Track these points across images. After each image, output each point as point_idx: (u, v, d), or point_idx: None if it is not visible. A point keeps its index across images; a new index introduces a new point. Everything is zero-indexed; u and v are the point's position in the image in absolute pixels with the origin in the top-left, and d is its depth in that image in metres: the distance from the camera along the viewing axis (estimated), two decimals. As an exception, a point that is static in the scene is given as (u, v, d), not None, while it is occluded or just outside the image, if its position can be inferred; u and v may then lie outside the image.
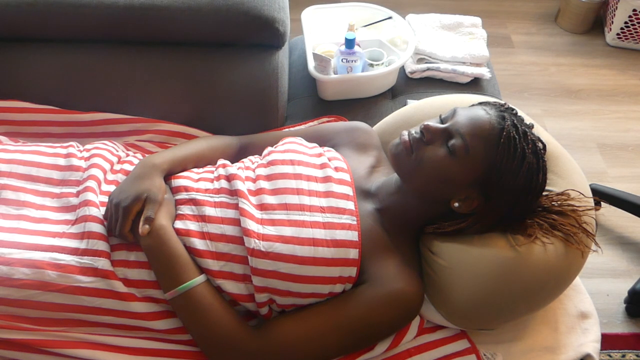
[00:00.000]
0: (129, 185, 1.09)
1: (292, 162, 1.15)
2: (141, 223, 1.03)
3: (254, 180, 1.14)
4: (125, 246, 1.06)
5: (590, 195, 1.21)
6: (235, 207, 1.08)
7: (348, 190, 1.12)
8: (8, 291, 0.99)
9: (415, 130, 1.08)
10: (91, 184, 1.12)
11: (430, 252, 1.13)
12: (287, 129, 1.45)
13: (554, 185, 1.19)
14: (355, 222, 1.07)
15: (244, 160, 1.23)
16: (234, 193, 1.10)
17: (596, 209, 1.18)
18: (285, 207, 1.08)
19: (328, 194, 1.11)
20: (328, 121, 1.50)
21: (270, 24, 1.41)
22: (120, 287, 1.02)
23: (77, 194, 1.12)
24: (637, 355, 1.65)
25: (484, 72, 1.66)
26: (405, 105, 1.51)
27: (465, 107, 1.10)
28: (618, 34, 2.62)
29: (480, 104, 1.12)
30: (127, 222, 1.04)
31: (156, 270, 1.03)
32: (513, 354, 1.15)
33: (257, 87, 1.46)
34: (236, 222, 1.06)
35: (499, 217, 1.08)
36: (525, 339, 1.17)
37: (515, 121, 1.06)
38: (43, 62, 1.42)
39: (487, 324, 1.14)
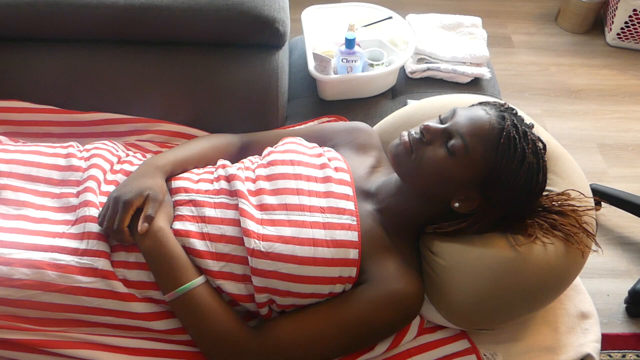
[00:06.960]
0: (132, 181, 1.09)
1: (292, 163, 1.15)
2: (141, 220, 1.03)
3: (254, 181, 1.14)
4: (124, 247, 1.06)
5: (591, 195, 1.20)
6: (235, 207, 1.08)
7: (348, 191, 1.12)
8: (8, 291, 0.99)
9: (415, 131, 1.08)
10: (91, 184, 1.12)
11: (430, 252, 1.13)
12: (287, 129, 1.45)
13: (554, 185, 1.19)
14: (355, 222, 1.07)
15: (243, 160, 1.23)
16: (233, 194, 1.10)
17: (596, 209, 1.18)
18: (285, 207, 1.08)
19: (328, 194, 1.11)
20: (328, 121, 1.50)
21: (270, 24, 1.41)
22: (120, 287, 1.02)
23: (77, 194, 1.12)
24: (637, 356, 1.65)
25: (484, 72, 1.66)
26: (405, 105, 1.51)
27: (465, 107, 1.10)
28: (618, 34, 2.62)
29: (480, 104, 1.12)
30: (126, 216, 1.03)
31: (155, 273, 1.02)
32: (513, 354, 1.15)
33: (257, 87, 1.46)
34: (236, 223, 1.06)
35: (499, 217, 1.08)
36: (525, 339, 1.17)
37: (515, 121, 1.06)
38: (43, 62, 1.42)
39: (487, 324, 1.14)
